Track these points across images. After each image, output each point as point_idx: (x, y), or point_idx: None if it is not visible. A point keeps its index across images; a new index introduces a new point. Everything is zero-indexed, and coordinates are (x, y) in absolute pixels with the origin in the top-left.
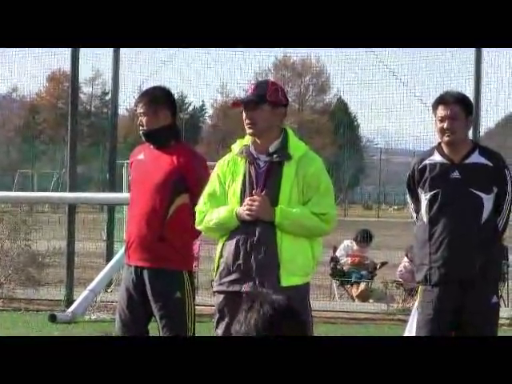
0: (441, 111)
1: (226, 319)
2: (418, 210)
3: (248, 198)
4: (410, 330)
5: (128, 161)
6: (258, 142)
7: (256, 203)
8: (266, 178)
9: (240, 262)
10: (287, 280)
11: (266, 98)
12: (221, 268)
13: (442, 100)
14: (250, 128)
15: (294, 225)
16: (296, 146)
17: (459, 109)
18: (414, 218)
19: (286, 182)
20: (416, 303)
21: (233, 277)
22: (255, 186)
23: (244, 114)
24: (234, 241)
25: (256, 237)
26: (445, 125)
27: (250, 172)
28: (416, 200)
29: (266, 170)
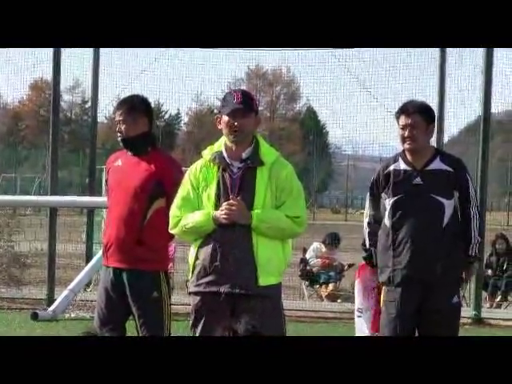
0: (403, 120)
1: (204, 319)
2: (373, 215)
3: (226, 203)
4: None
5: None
6: (233, 148)
7: (234, 208)
8: (240, 183)
9: (217, 263)
10: (264, 280)
11: (253, 106)
12: (197, 270)
13: (403, 109)
14: (235, 135)
15: (270, 227)
16: (267, 152)
17: (420, 118)
18: (365, 223)
19: (260, 187)
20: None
21: (210, 278)
22: (230, 191)
23: (230, 122)
24: (210, 244)
25: (233, 239)
26: (406, 133)
27: (223, 178)
28: (375, 204)
29: (240, 175)
